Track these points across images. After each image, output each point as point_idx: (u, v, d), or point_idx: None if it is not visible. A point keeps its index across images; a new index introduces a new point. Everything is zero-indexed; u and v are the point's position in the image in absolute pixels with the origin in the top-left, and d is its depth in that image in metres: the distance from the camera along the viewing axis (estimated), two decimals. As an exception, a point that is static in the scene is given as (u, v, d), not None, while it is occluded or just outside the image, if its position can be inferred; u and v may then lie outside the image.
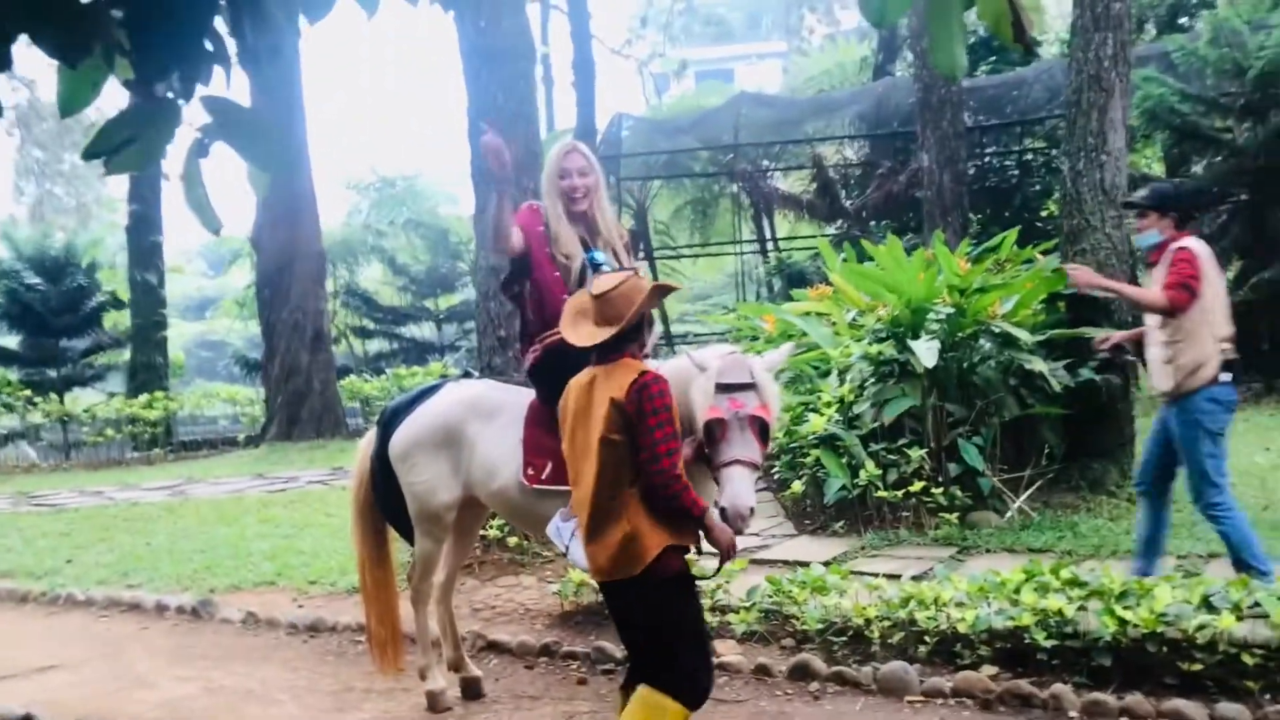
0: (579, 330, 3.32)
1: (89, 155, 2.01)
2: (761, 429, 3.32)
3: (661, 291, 3.43)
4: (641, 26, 40.94)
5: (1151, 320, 5.31)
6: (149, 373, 18.47)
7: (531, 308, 4.47)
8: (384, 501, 4.67)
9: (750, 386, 3.35)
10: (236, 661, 5.51)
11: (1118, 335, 5.88)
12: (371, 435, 4.80)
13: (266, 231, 16.23)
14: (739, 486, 3.23)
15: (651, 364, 4.44)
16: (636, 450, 3.15)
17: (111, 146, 2.01)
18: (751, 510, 3.24)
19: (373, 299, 23.86)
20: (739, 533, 3.30)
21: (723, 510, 3.24)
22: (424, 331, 24.44)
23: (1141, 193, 5.42)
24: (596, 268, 4.30)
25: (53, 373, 19.75)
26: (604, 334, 3.24)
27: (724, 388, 3.34)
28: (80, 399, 19.56)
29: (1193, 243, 5.11)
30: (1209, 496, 5.10)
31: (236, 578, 7.12)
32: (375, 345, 24.21)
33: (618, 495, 3.17)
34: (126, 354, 19.93)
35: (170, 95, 2.11)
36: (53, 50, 2.01)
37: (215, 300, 35.33)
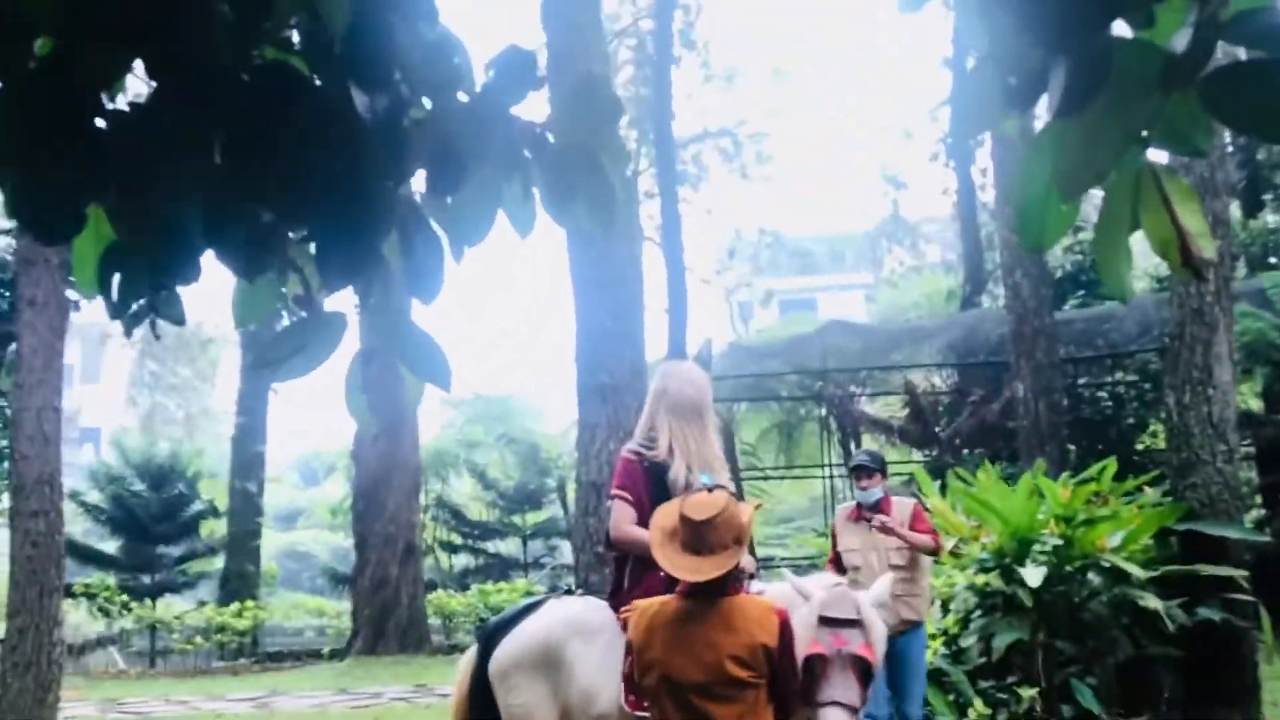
0: (677, 559, 3.07)
1: (258, 365, 2.14)
2: (863, 670, 3.14)
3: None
4: (729, 258, 42.29)
5: (893, 559, 5.85)
6: (240, 581, 18.68)
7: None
8: (484, 722, 4.55)
9: (856, 623, 3.18)
10: None
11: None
12: (472, 653, 4.73)
13: (366, 444, 16.64)
14: None
15: (755, 587, 4.36)
16: (776, 691, 3.02)
17: (281, 357, 2.13)
18: None
19: (461, 513, 24.04)
20: None
21: None
22: (510, 547, 24.41)
23: (864, 457, 6.20)
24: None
25: (147, 578, 20.04)
26: (723, 565, 3.01)
27: (828, 621, 3.17)
28: (172, 605, 19.76)
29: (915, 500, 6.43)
30: (921, 705, 6.00)
31: (321, 797, 6.95)
32: (461, 560, 24.21)
33: None
34: (219, 561, 20.22)
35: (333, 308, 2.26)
36: (234, 266, 2.16)
37: (305, 511, 35.90)
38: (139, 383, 39.18)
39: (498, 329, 76.66)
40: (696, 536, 3.04)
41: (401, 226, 2.19)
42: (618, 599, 4.32)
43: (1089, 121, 1.46)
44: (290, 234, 2.22)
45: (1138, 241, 1.54)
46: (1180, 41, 1.44)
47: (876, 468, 6.02)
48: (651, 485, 4.28)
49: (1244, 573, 7.26)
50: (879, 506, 5.89)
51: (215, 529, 21.09)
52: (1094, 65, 1.46)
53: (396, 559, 16.27)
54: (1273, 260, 18.77)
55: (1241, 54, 1.51)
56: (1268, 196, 19.88)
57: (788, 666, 3.02)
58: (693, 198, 28.23)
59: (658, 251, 18.38)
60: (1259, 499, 14.07)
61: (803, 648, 3.16)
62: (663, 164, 17.43)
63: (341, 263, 2.06)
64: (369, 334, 2.27)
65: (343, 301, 2.35)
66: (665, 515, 3.20)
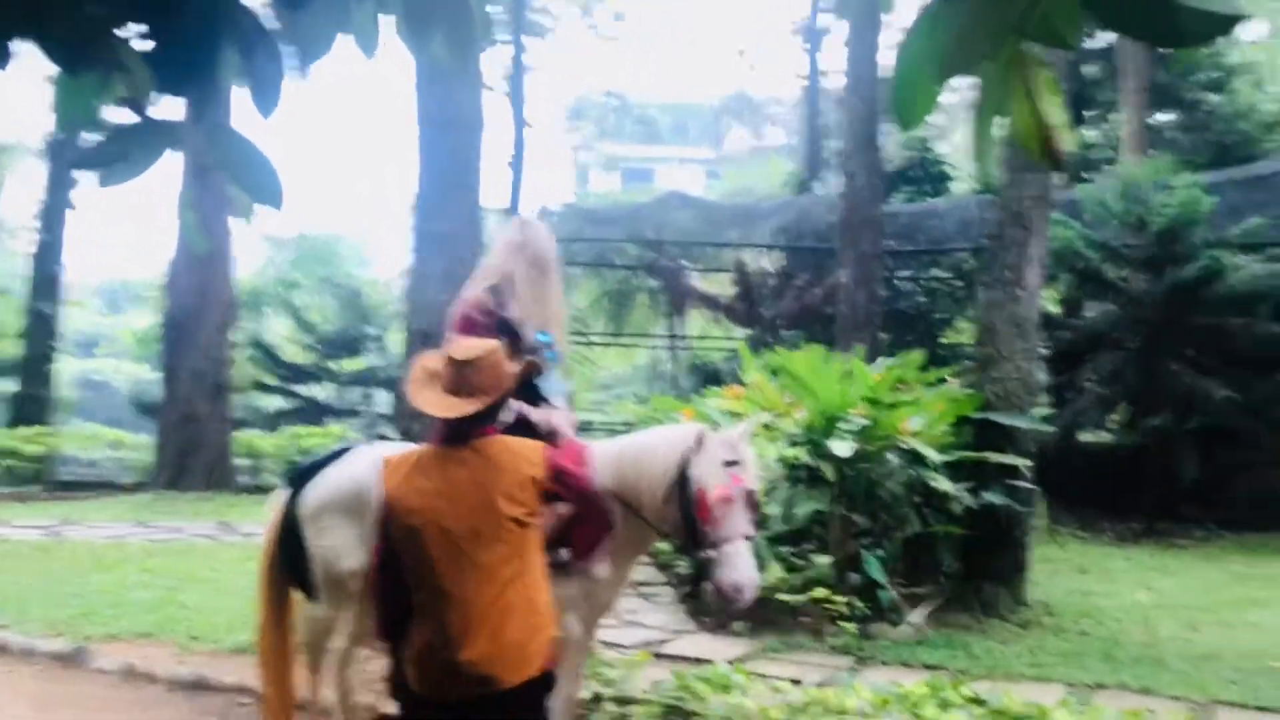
0: (434, 398, 2.99)
1: (78, 165, 1.99)
2: (754, 502, 3.37)
3: (528, 370, 3.22)
4: (575, 118, 41.75)
5: None
6: (33, 405, 17.73)
7: None
8: (292, 563, 4.51)
9: (743, 461, 3.42)
10: (113, 714, 5.22)
11: None
12: (282, 494, 4.66)
13: (180, 274, 15.84)
14: (747, 561, 3.29)
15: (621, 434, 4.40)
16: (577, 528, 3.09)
17: (105, 160, 1.98)
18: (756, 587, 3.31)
19: (276, 354, 23.34)
20: (737, 606, 3.31)
21: (728, 587, 3.27)
22: (325, 392, 23.96)
23: None
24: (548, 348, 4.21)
25: (-74, 398, 18.84)
26: (471, 406, 2.93)
27: (727, 464, 3.39)
28: (-46, 427, 18.64)
29: None
30: None
31: (114, 627, 6.77)
32: (274, 401, 23.63)
33: (519, 583, 2.92)
34: (11, 384, 19.11)
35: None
36: (54, 54, 1.98)
37: (105, 339, 34.25)
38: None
39: (327, 168, 73.59)
40: (458, 377, 2.97)
41: (242, 34, 2.05)
42: None
43: (971, 7, 1.46)
44: (120, 30, 2.04)
45: (960, 147, 1.58)
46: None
47: None
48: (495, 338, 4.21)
49: (1028, 462, 7.80)
50: None
51: (6, 350, 19.87)
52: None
53: (206, 395, 15.72)
54: (1084, 175, 19.75)
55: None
56: (1088, 112, 20.83)
57: (572, 495, 3.08)
58: (539, 48, 27.48)
59: (499, 102, 17.85)
60: (1047, 397, 15.08)
61: (715, 492, 3.33)
62: (515, 8, 16.85)
63: (178, 67, 1.91)
64: (200, 148, 2.12)
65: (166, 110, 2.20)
66: (430, 358, 3.13)
